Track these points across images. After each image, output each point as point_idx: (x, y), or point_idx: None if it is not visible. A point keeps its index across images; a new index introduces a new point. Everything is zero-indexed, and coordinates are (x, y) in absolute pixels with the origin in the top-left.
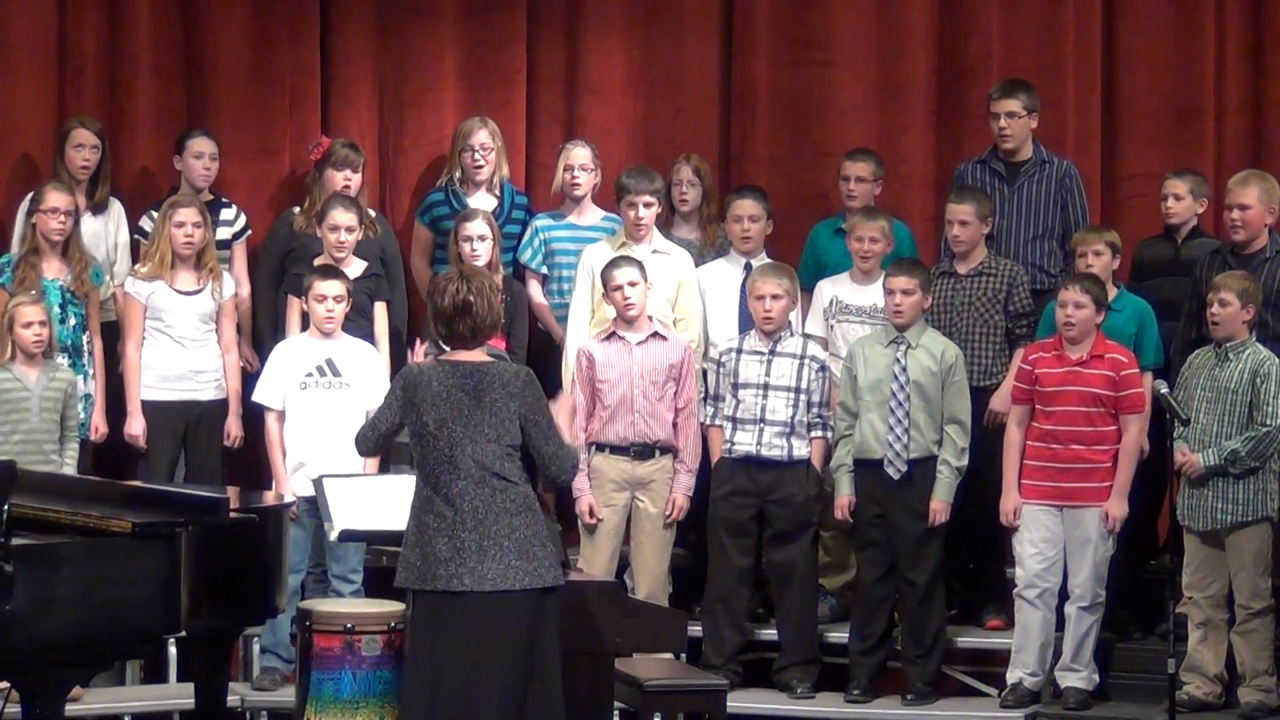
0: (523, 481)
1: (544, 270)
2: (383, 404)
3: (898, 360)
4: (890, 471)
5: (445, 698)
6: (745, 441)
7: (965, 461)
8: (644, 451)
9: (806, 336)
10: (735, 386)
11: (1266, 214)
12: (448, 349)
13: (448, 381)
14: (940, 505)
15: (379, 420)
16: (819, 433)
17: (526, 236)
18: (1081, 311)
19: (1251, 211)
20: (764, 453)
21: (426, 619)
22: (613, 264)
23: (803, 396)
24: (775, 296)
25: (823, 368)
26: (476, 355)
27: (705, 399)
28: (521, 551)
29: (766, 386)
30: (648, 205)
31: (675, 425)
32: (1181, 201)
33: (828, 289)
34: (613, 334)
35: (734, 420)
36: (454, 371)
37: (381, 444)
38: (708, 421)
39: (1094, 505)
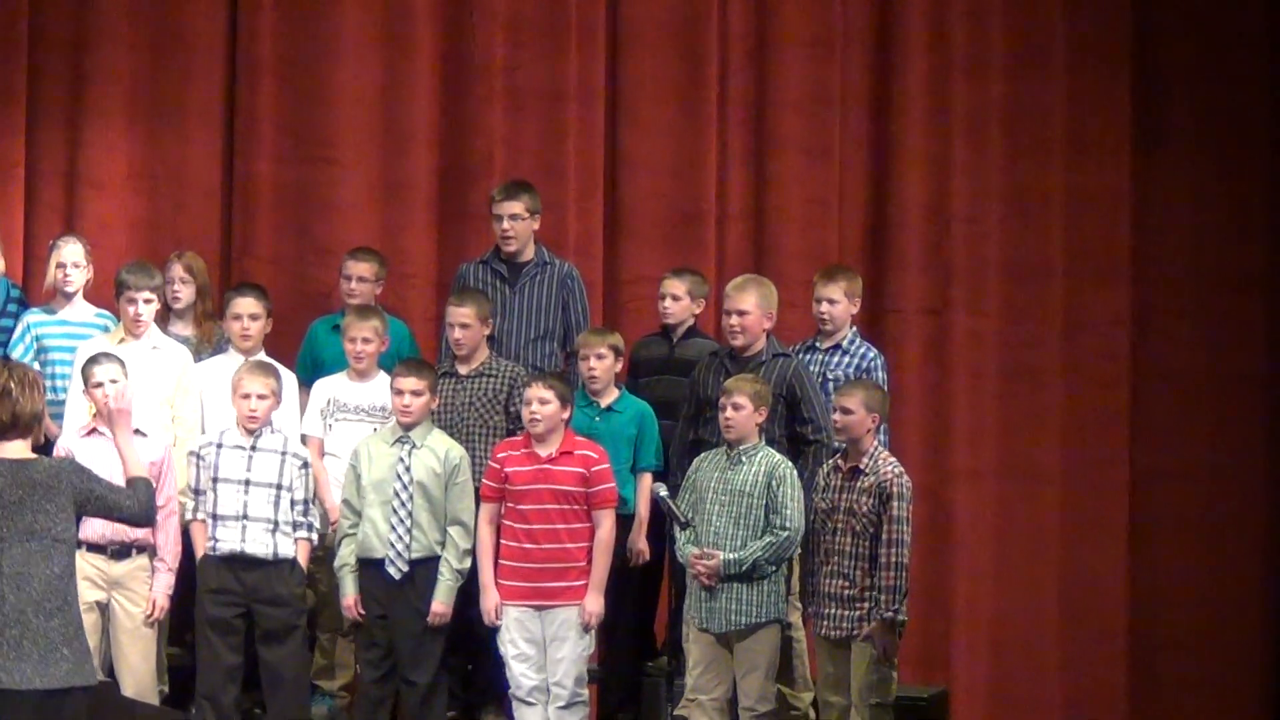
0: (66, 578)
1: (36, 366)
2: None
3: (402, 459)
4: (392, 571)
5: None
6: (229, 539)
7: (467, 563)
8: (121, 550)
9: (303, 436)
10: (215, 481)
11: (764, 319)
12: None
13: None
14: (441, 606)
15: None
16: (304, 532)
17: (18, 332)
18: (546, 408)
19: (749, 317)
20: (248, 549)
21: None
22: (93, 360)
23: (285, 493)
24: (261, 396)
25: (305, 464)
26: (18, 450)
27: (189, 493)
28: (67, 649)
29: (248, 483)
30: (147, 301)
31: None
32: (679, 301)
33: (325, 388)
34: (93, 430)
35: (215, 516)
36: None
37: None
38: (190, 516)
39: (570, 604)
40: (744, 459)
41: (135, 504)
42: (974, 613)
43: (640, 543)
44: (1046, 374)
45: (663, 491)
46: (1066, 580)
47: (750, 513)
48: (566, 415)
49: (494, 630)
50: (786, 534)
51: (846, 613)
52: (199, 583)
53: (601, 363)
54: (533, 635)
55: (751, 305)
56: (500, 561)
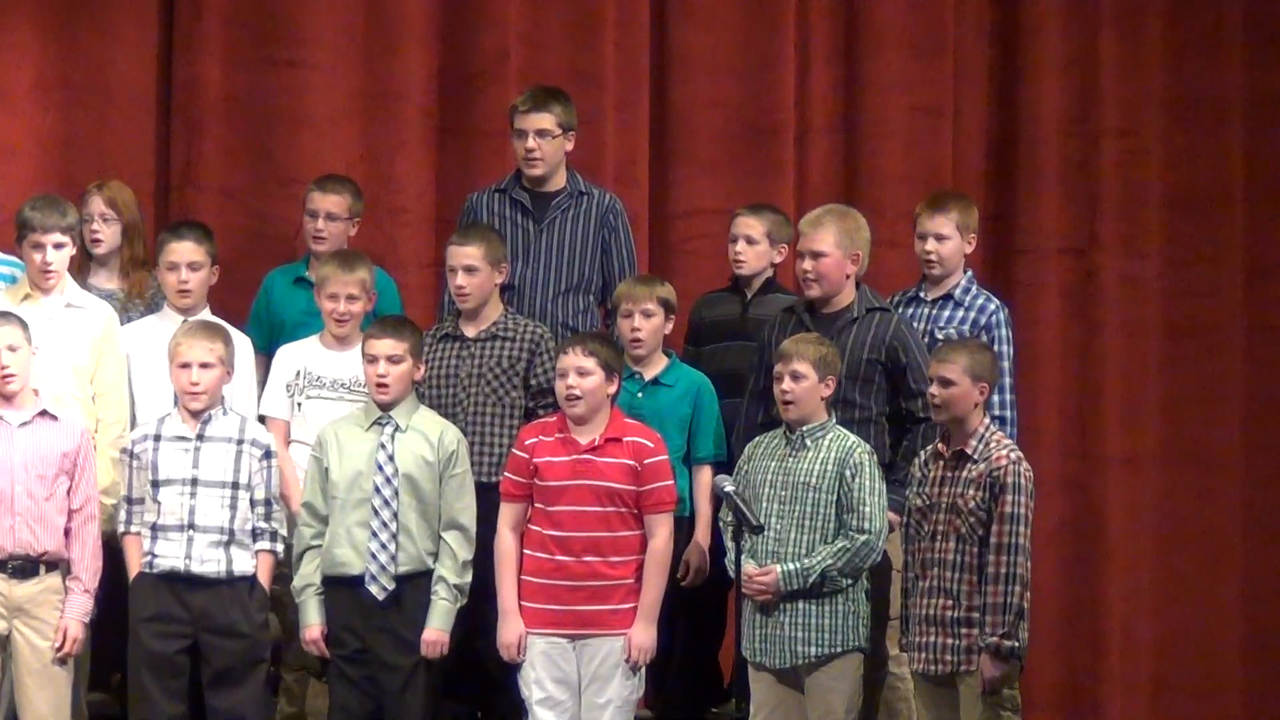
0: None
1: None
2: None
3: (383, 447)
4: (374, 590)
5: None
6: (170, 554)
7: (468, 579)
8: (26, 567)
9: (262, 418)
10: (155, 485)
11: (848, 262)
12: None
13: None
14: (436, 634)
15: None
16: (266, 542)
17: None
18: (587, 381)
19: (827, 260)
20: (195, 568)
21: None
22: None
23: (242, 494)
24: (205, 365)
25: (267, 454)
26: None
27: (120, 500)
28: None
29: (195, 482)
30: (59, 246)
31: (68, 532)
32: (755, 246)
33: (291, 357)
34: None
35: (155, 528)
36: None
37: None
38: (122, 529)
39: (614, 633)
40: (808, 443)
41: None
42: (1131, 639)
43: (696, 556)
44: (1223, 331)
45: (729, 487)
46: (1250, 597)
47: (818, 512)
48: (613, 390)
49: (514, 668)
50: (865, 538)
51: (950, 641)
52: (131, 610)
53: (649, 321)
54: (565, 675)
55: (830, 245)
56: (524, 579)
